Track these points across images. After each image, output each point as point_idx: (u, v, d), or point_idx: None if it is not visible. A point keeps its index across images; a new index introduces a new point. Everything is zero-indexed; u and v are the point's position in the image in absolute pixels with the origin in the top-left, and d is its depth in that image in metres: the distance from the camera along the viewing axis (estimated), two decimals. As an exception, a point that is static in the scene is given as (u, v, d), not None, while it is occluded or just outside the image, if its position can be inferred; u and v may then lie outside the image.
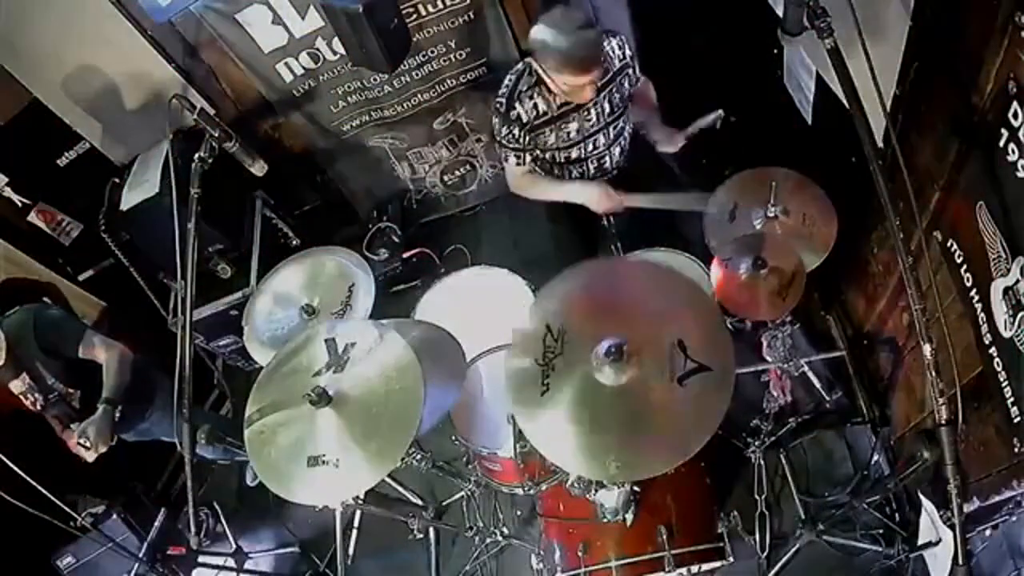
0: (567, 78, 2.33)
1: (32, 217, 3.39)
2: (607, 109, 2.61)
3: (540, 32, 2.30)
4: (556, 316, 1.78)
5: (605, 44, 2.46)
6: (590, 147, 2.67)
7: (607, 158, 2.75)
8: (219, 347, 3.66)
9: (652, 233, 2.77)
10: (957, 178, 1.76)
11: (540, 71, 2.40)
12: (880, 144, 2.00)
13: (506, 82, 2.57)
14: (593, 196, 2.62)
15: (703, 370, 1.63)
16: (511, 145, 2.58)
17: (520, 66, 2.57)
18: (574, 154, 2.67)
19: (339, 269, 2.65)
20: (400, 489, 2.90)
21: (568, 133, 2.60)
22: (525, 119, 2.52)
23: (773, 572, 2.55)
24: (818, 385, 2.95)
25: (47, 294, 3.41)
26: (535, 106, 2.51)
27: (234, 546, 3.16)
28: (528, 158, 2.63)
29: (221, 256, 3.46)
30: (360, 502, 2.08)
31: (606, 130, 2.66)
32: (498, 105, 2.55)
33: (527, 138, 2.56)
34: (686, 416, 1.64)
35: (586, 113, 2.57)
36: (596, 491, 2.07)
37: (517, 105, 2.51)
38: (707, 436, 1.58)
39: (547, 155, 2.68)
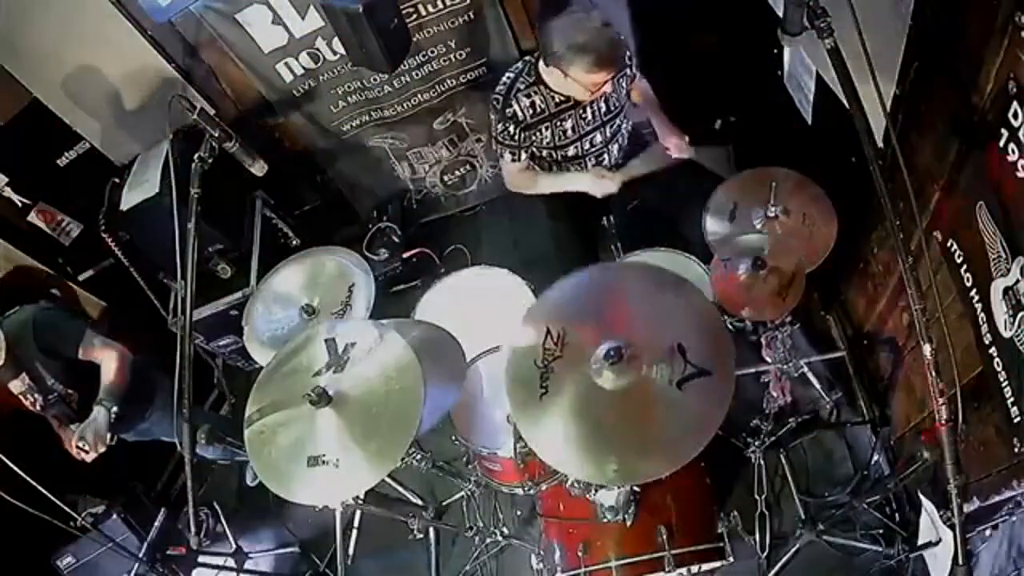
0: (594, 77, 2.35)
1: (32, 217, 3.39)
2: (603, 108, 2.61)
3: (563, 43, 2.31)
4: (556, 319, 1.79)
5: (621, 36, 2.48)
6: (587, 145, 2.68)
7: (605, 155, 2.76)
8: (219, 347, 3.66)
9: (652, 233, 2.77)
10: (957, 178, 1.76)
11: (558, 73, 2.39)
12: (880, 144, 2.00)
13: (504, 79, 2.57)
14: (587, 183, 2.64)
15: (703, 374, 1.64)
16: (507, 142, 2.59)
17: (520, 64, 2.58)
18: (571, 152, 2.68)
19: (339, 269, 2.65)
20: (400, 489, 2.90)
21: (564, 131, 2.60)
22: (521, 117, 2.53)
23: (773, 572, 2.54)
24: (818, 385, 2.94)
25: (55, 287, 3.42)
26: (532, 104, 2.52)
27: (234, 546, 3.16)
28: (524, 155, 2.64)
29: (221, 256, 3.46)
30: (360, 502, 2.08)
31: (603, 128, 2.66)
32: (495, 102, 2.56)
33: (522, 135, 2.57)
34: (685, 420, 1.65)
35: (582, 111, 2.58)
36: (596, 491, 2.08)
37: (514, 103, 2.52)
38: (705, 441, 1.59)
39: (543, 152, 2.68)
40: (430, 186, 4.11)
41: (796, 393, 2.92)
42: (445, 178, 4.08)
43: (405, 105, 3.58)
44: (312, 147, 3.79)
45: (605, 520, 2.11)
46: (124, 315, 3.64)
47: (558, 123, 2.58)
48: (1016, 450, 1.63)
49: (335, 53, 3.26)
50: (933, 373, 1.42)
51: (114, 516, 2.98)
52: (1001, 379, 1.64)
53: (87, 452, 2.50)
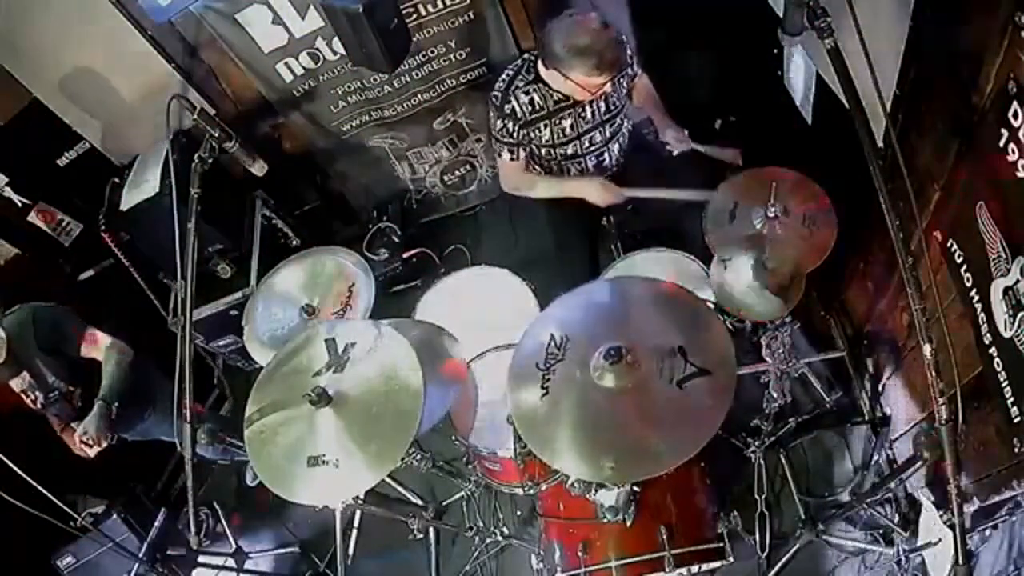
0: (594, 80, 2.34)
1: (32, 217, 3.39)
2: (603, 107, 2.61)
3: (562, 45, 2.30)
4: (559, 327, 1.81)
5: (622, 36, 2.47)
6: (586, 144, 2.67)
7: (606, 155, 2.75)
8: (219, 347, 3.66)
9: (652, 233, 2.77)
10: (957, 178, 1.76)
11: (557, 74, 2.39)
12: (880, 144, 2.00)
13: (503, 76, 2.57)
14: (593, 191, 2.63)
15: (703, 374, 1.64)
16: (505, 139, 2.59)
17: (519, 61, 2.57)
18: (570, 150, 2.67)
19: (339, 269, 2.65)
20: (400, 489, 2.90)
21: (563, 129, 2.60)
22: (519, 114, 2.53)
23: (773, 572, 2.54)
24: (818, 385, 2.94)
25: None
26: (531, 101, 2.52)
27: (234, 546, 3.16)
28: (522, 153, 2.63)
29: (221, 256, 3.46)
30: (360, 502, 2.07)
31: (602, 127, 2.66)
32: (494, 99, 2.56)
33: (521, 133, 2.57)
34: (686, 419, 1.65)
35: (581, 110, 2.57)
36: (596, 491, 2.07)
37: (512, 100, 2.52)
38: (705, 440, 1.59)
39: (543, 151, 2.68)
40: (430, 186, 4.11)
41: (796, 393, 2.91)
42: (445, 178, 4.08)
43: (405, 105, 3.58)
44: (312, 147, 3.79)
45: (605, 520, 2.11)
46: (124, 315, 3.64)
47: (556, 121, 2.57)
48: (1016, 450, 1.63)
49: (335, 53, 3.26)
50: (933, 373, 1.42)
51: (114, 516, 2.97)
52: (1001, 379, 1.64)
53: (90, 446, 2.51)
